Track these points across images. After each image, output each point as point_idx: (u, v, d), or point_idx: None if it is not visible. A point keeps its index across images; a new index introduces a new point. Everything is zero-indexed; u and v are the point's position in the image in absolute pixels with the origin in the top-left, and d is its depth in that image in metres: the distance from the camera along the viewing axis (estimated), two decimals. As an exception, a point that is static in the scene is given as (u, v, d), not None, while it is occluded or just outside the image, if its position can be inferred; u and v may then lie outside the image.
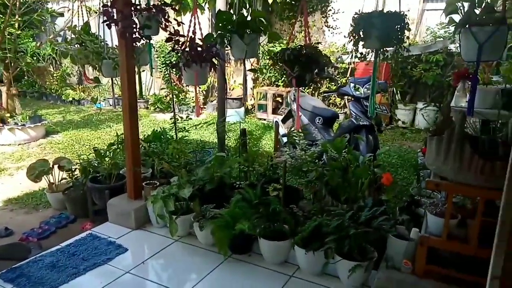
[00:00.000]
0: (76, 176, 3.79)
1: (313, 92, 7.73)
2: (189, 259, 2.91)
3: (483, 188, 2.02)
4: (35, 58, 7.75)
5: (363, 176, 2.99)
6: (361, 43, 2.41)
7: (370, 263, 2.43)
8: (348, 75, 7.41)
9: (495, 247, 1.60)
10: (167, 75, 9.02)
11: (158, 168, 3.84)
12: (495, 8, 2.24)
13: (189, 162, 4.06)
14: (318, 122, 4.72)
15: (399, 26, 2.36)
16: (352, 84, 4.34)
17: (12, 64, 6.38)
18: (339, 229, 2.56)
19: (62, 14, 8.71)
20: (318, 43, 2.58)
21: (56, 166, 3.84)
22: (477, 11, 2.14)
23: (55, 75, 10.53)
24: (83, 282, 2.60)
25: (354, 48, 2.44)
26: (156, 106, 8.87)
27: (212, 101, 8.67)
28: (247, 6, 3.65)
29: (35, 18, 7.11)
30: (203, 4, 4.77)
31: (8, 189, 4.29)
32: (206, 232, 2.95)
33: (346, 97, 7.00)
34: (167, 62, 8.75)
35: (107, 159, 3.85)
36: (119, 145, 4.01)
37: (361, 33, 2.39)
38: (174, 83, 5.40)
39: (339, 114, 5.75)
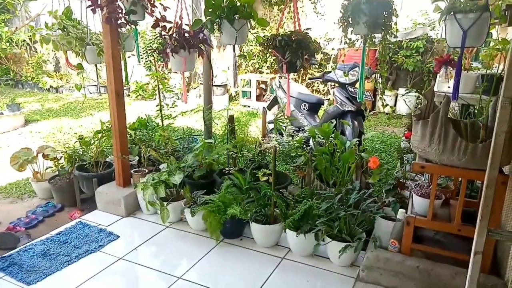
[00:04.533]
0: (61, 164, 3.74)
1: (297, 79, 7.78)
2: (181, 245, 2.94)
3: (465, 169, 2.11)
4: (8, 44, 7.47)
5: (350, 160, 3.07)
6: (349, 29, 2.45)
7: (359, 244, 2.53)
8: (331, 62, 7.48)
9: (478, 225, 1.70)
10: (148, 62, 8.88)
11: (145, 155, 3.82)
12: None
13: (176, 149, 4.06)
14: (303, 108, 4.78)
15: (386, 13, 2.41)
16: (337, 71, 4.40)
17: (-14, 50, 6.15)
18: (329, 212, 2.65)
19: (36, -2, 8.40)
20: (308, 29, 2.59)
21: (40, 155, 3.77)
22: (462, -1, 2.20)
23: (30, 62, 10.19)
24: (76, 269, 2.61)
25: (343, 34, 2.48)
26: (138, 94, 8.74)
27: (195, 88, 8.60)
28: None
29: (8, 2, 6.83)
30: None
31: (-11, 179, 4.19)
32: (198, 218, 2.98)
33: (330, 83, 7.12)
34: (148, 48, 8.60)
35: (93, 147, 3.81)
36: (105, 133, 3.96)
37: (349, 19, 2.43)
38: (156, 70, 5.31)
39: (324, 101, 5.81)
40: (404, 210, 2.52)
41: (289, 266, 2.68)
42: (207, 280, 2.52)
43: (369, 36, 2.44)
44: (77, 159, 3.74)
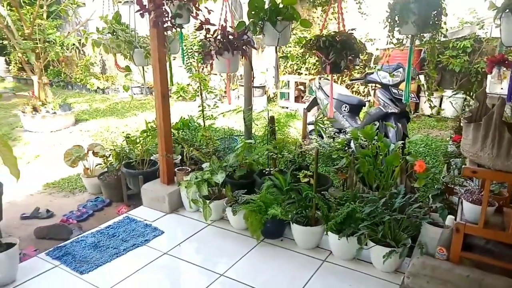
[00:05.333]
0: (110, 162, 3.93)
1: (336, 80, 7.67)
2: (223, 242, 3.00)
3: (522, 175, 2.01)
4: (60, 48, 7.93)
5: (394, 164, 2.99)
6: (396, 28, 2.40)
7: (405, 250, 2.46)
8: (372, 63, 7.32)
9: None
10: (189, 64, 9.10)
11: (188, 154, 3.93)
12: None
13: (217, 149, 4.14)
14: (344, 110, 4.71)
15: (436, 11, 2.34)
16: (380, 72, 4.31)
17: (42, 54, 6.56)
18: (372, 216, 2.60)
19: (84, 4, 8.85)
20: (352, 29, 2.56)
21: (90, 152, 3.98)
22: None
23: (79, 64, 10.76)
24: (124, 262, 2.73)
25: (389, 34, 2.43)
26: (179, 95, 8.98)
27: (233, 89, 8.71)
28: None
29: (62, 8, 7.26)
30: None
31: (45, 174, 4.47)
32: (239, 217, 3.03)
33: (371, 84, 6.96)
34: (189, 51, 8.82)
35: (139, 145, 3.96)
36: (150, 132, 4.12)
37: (397, 18, 2.38)
38: (198, 72, 5.45)
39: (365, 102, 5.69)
40: (453, 217, 2.42)
41: (331, 269, 2.66)
42: (248, 279, 2.55)
43: (418, 36, 2.37)
44: (124, 157, 3.92)
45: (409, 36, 2.41)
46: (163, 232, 3.11)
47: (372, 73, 4.50)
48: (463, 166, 2.39)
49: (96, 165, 4.03)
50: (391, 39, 2.44)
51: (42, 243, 3.01)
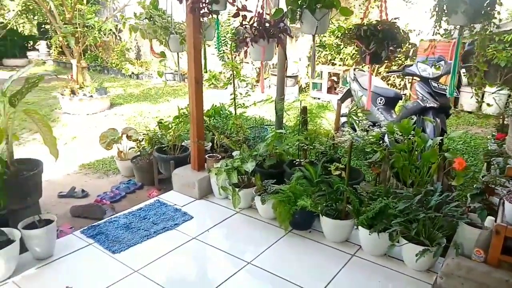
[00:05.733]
0: (143, 146, 4.01)
1: (371, 72, 7.46)
2: (251, 231, 3.01)
3: None
4: (98, 33, 8.16)
5: (431, 160, 2.88)
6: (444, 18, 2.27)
7: (439, 249, 2.37)
8: (411, 53, 7.05)
9: None
10: (222, 52, 9.10)
11: (218, 142, 3.95)
12: None
13: (248, 138, 4.13)
14: (379, 103, 4.57)
15: (489, 0, 2.19)
16: (419, 64, 4.13)
17: (81, 38, 6.75)
18: (406, 213, 2.51)
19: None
20: (396, 18, 2.45)
21: (124, 136, 4.07)
22: None
23: (115, 50, 11.01)
24: (154, 244, 2.79)
25: (436, 24, 2.31)
26: (211, 82, 9.02)
27: (265, 78, 8.65)
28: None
29: (101, -6, 7.43)
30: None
31: (81, 155, 4.63)
32: (267, 206, 3.02)
33: (409, 77, 6.72)
34: (222, 38, 8.81)
35: (171, 131, 4.02)
36: (182, 118, 4.16)
37: (445, 7, 2.25)
38: (232, 59, 5.44)
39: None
40: (493, 218, 2.31)
41: (360, 264, 2.61)
42: (275, 268, 2.54)
43: (467, 26, 2.23)
44: (157, 142, 3.99)
45: (458, 27, 2.27)
46: (192, 217, 3.15)
47: (411, 65, 4.33)
48: (507, 166, 2.26)
49: (129, 149, 4.13)
50: (437, 30, 2.31)
51: (77, 221, 3.13)
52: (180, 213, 3.19)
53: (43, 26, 12.25)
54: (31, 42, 13.10)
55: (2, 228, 2.33)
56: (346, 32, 2.57)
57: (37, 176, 2.75)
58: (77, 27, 6.53)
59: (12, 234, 2.42)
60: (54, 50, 12.18)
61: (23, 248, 2.50)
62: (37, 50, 12.90)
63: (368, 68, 2.67)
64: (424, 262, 2.44)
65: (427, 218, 2.44)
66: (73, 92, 6.59)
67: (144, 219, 3.09)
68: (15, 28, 11.91)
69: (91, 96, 6.64)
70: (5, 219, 2.52)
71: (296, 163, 3.34)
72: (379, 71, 7.35)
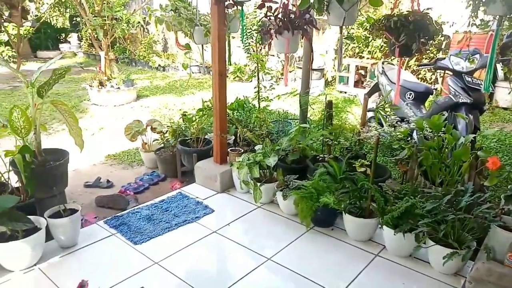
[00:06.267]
0: (167, 138, 4.03)
1: (401, 65, 7.21)
2: (271, 227, 2.97)
3: None
4: (126, 25, 8.30)
5: (463, 159, 2.75)
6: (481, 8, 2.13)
7: (468, 252, 2.26)
8: (443, 46, 6.76)
9: None
10: (247, 44, 9.04)
11: (241, 135, 3.92)
12: None
13: (271, 132, 4.08)
14: (408, 98, 4.41)
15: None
16: (452, 57, 3.94)
17: (109, 31, 6.86)
18: (434, 213, 2.41)
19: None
20: (428, 9, 2.33)
21: (149, 128, 4.11)
22: None
23: (143, 42, 11.16)
24: (175, 236, 2.81)
25: (472, 14, 2.17)
26: (236, 75, 9.00)
27: (290, 71, 8.54)
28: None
29: (129, -14, 7.51)
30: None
31: (107, 146, 4.72)
32: (289, 202, 2.97)
33: (440, 71, 6.44)
34: (248, 30, 8.74)
35: (194, 124, 4.02)
36: (206, 111, 4.15)
37: (482, -3, 2.11)
38: (256, 52, 5.38)
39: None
40: (529, 222, 2.17)
41: (383, 264, 2.52)
42: (296, 265, 2.50)
43: (507, 16, 2.08)
44: (180, 134, 4.01)
45: (496, 17, 2.13)
46: (214, 211, 3.15)
47: (444, 58, 4.13)
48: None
49: (153, 141, 4.17)
50: (473, 21, 2.17)
51: (101, 211, 3.19)
52: (202, 206, 3.19)
53: (74, 18, 12.58)
54: (63, 35, 13.48)
55: (29, 216, 2.39)
56: (375, 23, 2.46)
57: (63, 166, 2.82)
58: (105, 20, 6.64)
59: (39, 222, 2.49)
60: (85, 42, 12.48)
61: (49, 236, 2.57)
62: (69, 42, 13.26)
63: (398, 61, 2.56)
64: (452, 265, 2.33)
65: (457, 220, 2.33)
66: (101, 83, 6.73)
67: (166, 211, 3.11)
68: (48, 21, 12.30)
69: (118, 88, 6.75)
70: (32, 207, 2.59)
71: (320, 159, 3.27)
72: (409, 65, 7.10)
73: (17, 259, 2.38)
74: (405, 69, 6.98)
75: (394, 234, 2.47)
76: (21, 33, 9.17)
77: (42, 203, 2.67)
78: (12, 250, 2.34)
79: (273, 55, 8.84)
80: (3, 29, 8.39)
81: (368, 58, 7.64)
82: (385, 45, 7.10)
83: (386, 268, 2.49)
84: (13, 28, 9.98)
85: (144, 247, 2.66)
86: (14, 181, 2.67)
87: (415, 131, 3.75)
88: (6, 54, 10.71)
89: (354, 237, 2.77)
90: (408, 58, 6.74)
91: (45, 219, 2.53)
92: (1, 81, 8.42)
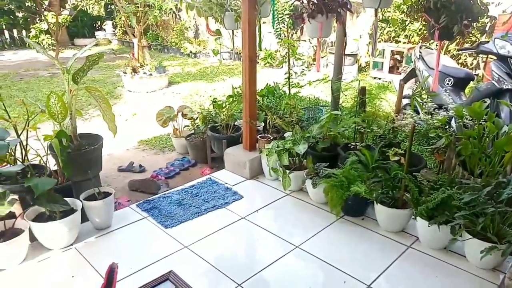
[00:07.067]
0: (197, 124, 4.07)
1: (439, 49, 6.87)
2: (300, 214, 2.95)
3: None
4: (158, 12, 8.37)
5: (506, 149, 2.59)
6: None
7: (509, 247, 2.13)
8: (487, 30, 6.36)
9: None
10: (278, 29, 8.90)
11: (271, 122, 3.89)
12: None
13: (301, 119, 4.02)
14: (447, 84, 4.20)
15: None
16: (497, 41, 3.69)
17: (142, 17, 6.95)
18: (472, 205, 2.29)
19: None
20: (472, -13, 2.17)
21: (180, 114, 4.16)
22: None
23: (175, 28, 11.25)
24: (204, 221, 2.84)
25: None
26: (266, 61, 8.91)
27: (322, 57, 8.36)
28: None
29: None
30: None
31: (140, 132, 4.83)
32: (319, 190, 2.93)
33: (483, 56, 6.09)
34: (279, 15, 8.60)
35: (224, 110, 4.02)
36: (236, 98, 4.14)
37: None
38: (287, 37, 5.28)
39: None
40: None
41: (416, 256, 2.44)
42: (324, 254, 2.47)
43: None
44: (210, 121, 4.02)
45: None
46: (242, 197, 3.16)
47: (487, 42, 3.89)
48: None
49: (184, 127, 4.21)
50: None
51: (134, 195, 3.28)
52: (231, 192, 3.21)
53: (109, 6, 12.86)
54: (99, 23, 13.83)
55: (66, 198, 2.49)
56: (413, 4, 2.33)
57: (97, 151, 2.90)
58: (138, 7, 6.72)
59: (75, 204, 2.59)
60: (119, 29, 12.75)
61: (85, 218, 2.67)
62: (104, 30, 13.60)
63: (437, 45, 2.42)
64: (490, 260, 2.22)
65: (497, 213, 2.21)
66: (134, 70, 6.86)
67: (196, 196, 3.15)
68: (85, 9, 12.65)
69: (151, 74, 6.86)
70: (69, 190, 2.69)
71: (351, 147, 3.19)
72: (448, 49, 6.75)
73: (56, 238, 2.49)
74: (444, 54, 6.65)
75: (429, 226, 2.38)
76: (59, 22, 9.49)
77: (78, 186, 2.77)
78: (50, 230, 2.45)
79: (305, 40, 8.67)
80: (43, 17, 8.70)
81: (404, 43, 7.34)
82: (423, 28, 6.78)
83: (418, 260, 2.41)
84: (52, 17, 10.36)
85: (174, 231, 2.72)
86: (52, 164, 2.78)
87: (453, 119, 3.58)
88: (46, 42, 11.14)
89: (385, 227, 2.70)
90: (448, 42, 6.40)
91: (81, 201, 2.62)
92: (42, 69, 8.78)
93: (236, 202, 3.09)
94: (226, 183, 3.38)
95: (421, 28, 6.92)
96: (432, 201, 2.39)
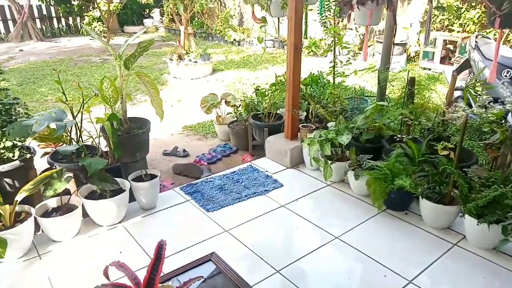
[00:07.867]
0: (240, 112, 4.11)
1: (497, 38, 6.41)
2: (341, 206, 2.92)
3: None
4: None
5: None
6: None
7: None
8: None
9: None
10: (324, 17, 8.70)
11: (313, 111, 3.85)
12: None
13: (345, 109, 3.94)
14: (505, 76, 3.93)
15: None
16: None
17: (189, 5, 7.07)
18: (528, 205, 2.16)
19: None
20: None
21: (223, 101, 4.22)
22: None
23: (220, 16, 11.34)
24: (245, 207, 2.89)
25: None
26: (311, 50, 8.77)
27: (369, 46, 8.08)
28: None
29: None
30: None
31: (184, 117, 4.96)
32: (361, 182, 2.88)
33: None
34: (326, 2, 8.39)
35: (267, 98, 4.03)
36: (279, 86, 4.13)
37: None
38: (334, 25, 5.14)
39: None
40: None
41: (462, 255, 2.35)
42: (364, 247, 2.43)
43: None
44: (253, 108, 4.05)
45: None
46: (282, 185, 3.17)
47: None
48: None
49: (227, 114, 4.28)
50: None
51: (177, 178, 3.39)
52: (271, 180, 3.24)
53: (157, -6, 13.15)
54: (147, 10, 14.22)
55: (115, 178, 2.63)
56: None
57: (145, 134, 3.02)
58: (185, -6, 6.83)
59: (124, 184, 2.73)
60: (166, 17, 13.04)
61: (132, 198, 2.81)
62: (152, 17, 13.97)
63: (497, 34, 2.26)
64: (546, 265, 2.09)
65: (556, 215, 2.06)
66: (180, 57, 7.02)
67: (237, 182, 3.20)
68: (134, -3, 13.04)
69: (196, 61, 6.99)
70: (118, 170, 2.84)
71: (397, 139, 3.09)
72: (507, 39, 6.29)
73: (106, 216, 2.64)
74: (503, 44, 6.21)
75: (477, 224, 2.27)
76: (110, 9, 9.87)
77: (126, 167, 2.91)
78: (101, 208, 2.60)
79: (351, 29, 8.42)
80: (96, 5, 9.09)
81: (458, 32, 6.92)
82: (481, 16, 6.35)
83: (464, 259, 2.32)
84: (104, 5, 10.79)
85: (216, 214, 2.79)
86: (103, 145, 2.94)
87: (510, 114, 3.35)
88: (98, 29, 11.64)
89: (430, 223, 2.61)
90: (508, 31, 5.97)
91: (129, 181, 2.76)
92: (94, 55, 9.21)
93: (276, 190, 3.11)
94: (266, 171, 3.41)
95: (478, 16, 6.49)
96: (482, 198, 2.28)
